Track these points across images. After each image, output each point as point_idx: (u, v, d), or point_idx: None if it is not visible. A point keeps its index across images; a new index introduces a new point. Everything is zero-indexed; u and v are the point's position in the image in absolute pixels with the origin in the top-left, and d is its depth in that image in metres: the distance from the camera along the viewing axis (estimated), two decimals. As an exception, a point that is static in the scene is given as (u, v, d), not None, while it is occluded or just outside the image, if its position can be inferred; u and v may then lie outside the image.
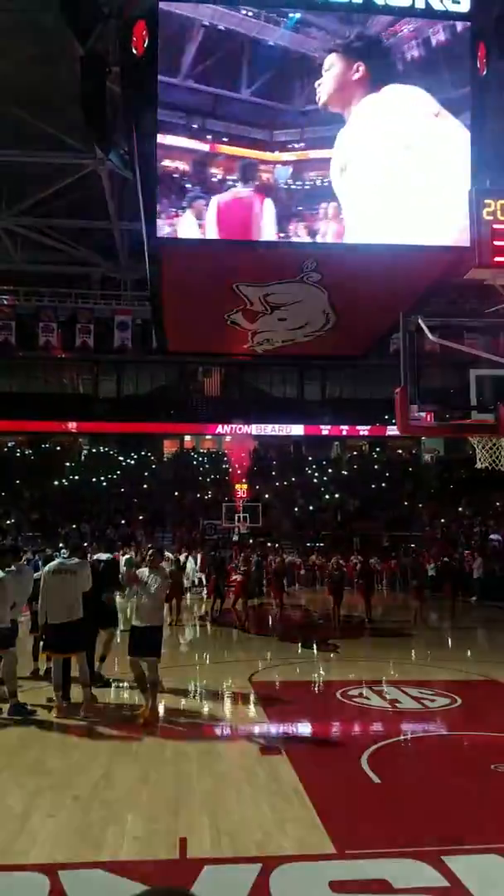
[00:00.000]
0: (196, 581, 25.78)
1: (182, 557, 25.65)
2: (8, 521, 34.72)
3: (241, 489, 37.06)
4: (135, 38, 7.95)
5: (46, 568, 9.24)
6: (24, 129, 29.44)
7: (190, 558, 25.77)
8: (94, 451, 46.02)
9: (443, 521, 34.65)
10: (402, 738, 8.00)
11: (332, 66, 9.02)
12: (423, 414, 8.36)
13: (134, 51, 8.01)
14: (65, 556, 9.78)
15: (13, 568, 9.27)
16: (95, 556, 11.04)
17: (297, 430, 47.36)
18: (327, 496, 40.40)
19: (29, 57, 25.31)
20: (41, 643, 10.09)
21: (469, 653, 14.99)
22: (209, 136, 9.23)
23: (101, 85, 9.43)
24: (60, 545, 27.86)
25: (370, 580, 19.87)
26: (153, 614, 8.52)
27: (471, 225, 7.67)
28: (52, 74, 26.71)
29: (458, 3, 7.83)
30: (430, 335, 8.02)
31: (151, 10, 7.85)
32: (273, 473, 42.59)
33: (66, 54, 24.22)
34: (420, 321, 8.09)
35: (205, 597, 22.05)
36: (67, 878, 4.43)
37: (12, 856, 4.81)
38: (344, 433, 48.01)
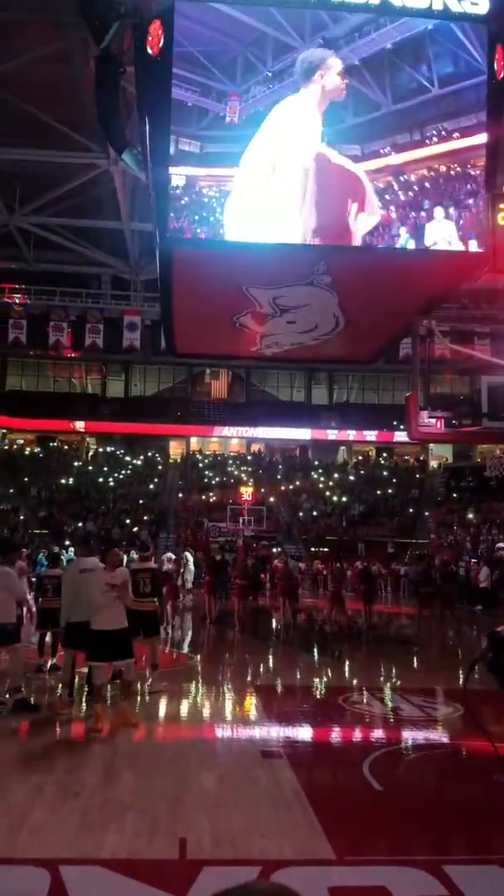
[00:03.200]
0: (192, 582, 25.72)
1: (188, 555, 25.68)
2: (16, 518, 34.82)
3: (247, 492, 37.06)
4: (150, 38, 7.95)
5: (72, 566, 9.23)
6: (38, 128, 29.59)
7: (191, 559, 25.78)
8: (101, 450, 46.12)
9: (455, 528, 34.50)
10: (403, 745, 7.96)
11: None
12: (433, 420, 8.33)
13: (149, 50, 8.00)
14: (74, 554, 9.77)
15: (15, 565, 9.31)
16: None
17: (304, 433, 47.39)
18: (333, 500, 40.32)
19: (43, 55, 25.42)
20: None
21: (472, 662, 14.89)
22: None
23: (115, 84, 9.44)
24: (67, 542, 27.99)
25: (372, 586, 19.76)
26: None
27: (486, 230, 7.65)
28: (67, 73, 26.88)
29: (477, 4, 7.80)
30: (441, 340, 7.99)
31: (167, 9, 7.84)
32: (279, 477, 42.57)
33: (81, 53, 24.40)
34: (432, 325, 8.06)
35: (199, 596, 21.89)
36: (68, 874, 4.42)
37: (14, 849, 4.80)
38: (351, 438, 48.01)
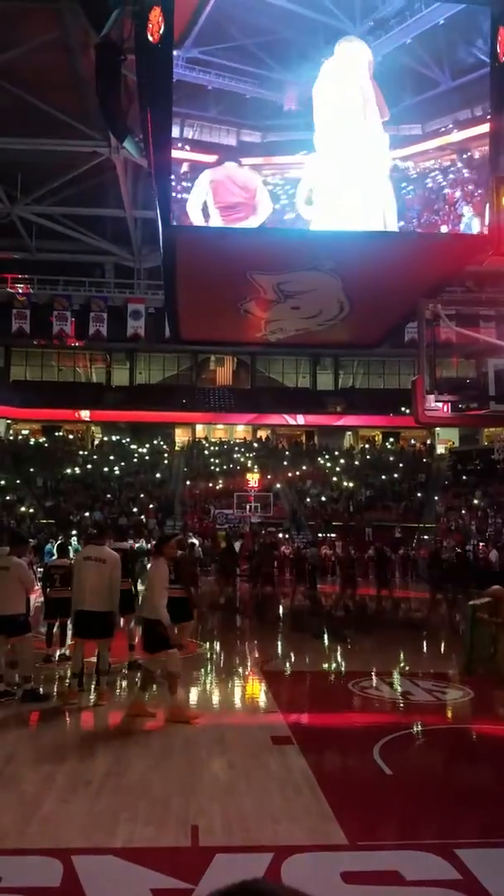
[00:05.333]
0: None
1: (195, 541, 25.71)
2: (22, 509, 34.94)
3: (253, 479, 37.09)
4: (150, 25, 7.87)
5: (78, 555, 9.23)
6: (39, 117, 29.42)
7: (197, 544, 25.83)
8: (106, 439, 46.16)
9: (463, 511, 34.47)
10: (414, 729, 7.98)
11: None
12: (439, 404, 8.29)
13: (150, 37, 7.93)
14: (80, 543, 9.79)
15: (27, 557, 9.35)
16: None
17: (310, 419, 47.37)
18: (341, 485, 40.33)
19: (44, 43, 25.22)
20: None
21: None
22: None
23: (116, 72, 9.37)
24: (73, 532, 28.07)
25: (385, 571, 19.72)
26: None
27: (490, 213, 7.59)
28: (67, 62, 26.69)
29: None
30: (447, 323, 7.95)
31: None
32: (285, 463, 42.57)
33: (81, 41, 24.21)
34: (438, 308, 8.01)
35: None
36: (81, 864, 4.45)
37: (26, 840, 4.83)
38: (357, 423, 47.97)
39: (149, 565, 8.60)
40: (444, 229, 8.45)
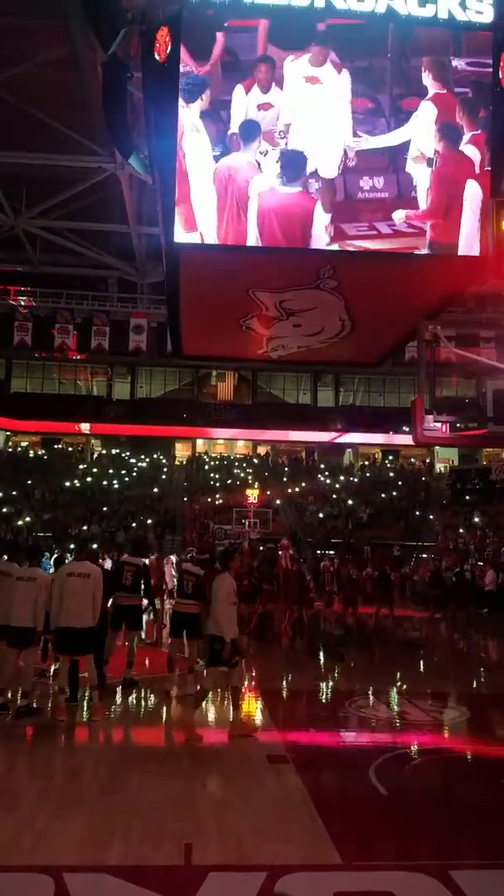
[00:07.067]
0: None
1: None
2: (20, 521, 34.86)
3: (252, 494, 37.07)
4: (157, 44, 7.96)
5: (60, 571, 9.21)
6: (45, 132, 29.68)
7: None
8: (105, 452, 46.17)
9: (461, 530, 34.44)
10: (410, 750, 7.94)
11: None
12: (438, 424, 8.32)
13: (156, 56, 8.02)
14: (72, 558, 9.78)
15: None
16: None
17: (310, 436, 47.42)
18: (340, 503, 40.30)
19: (52, 60, 25.49)
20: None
21: (480, 665, 14.88)
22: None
23: (122, 90, 9.46)
24: (72, 546, 27.94)
25: (388, 591, 19.57)
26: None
27: (489, 235, 7.64)
28: (74, 78, 26.96)
29: (482, 13, 7.81)
30: (447, 345, 7.99)
31: (174, 16, 7.85)
32: (284, 479, 42.55)
33: (89, 58, 24.47)
34: (438, 330, 8.06)
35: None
36: (72, 881, 4.42)
37: (18, 857, 4.81)
38: (357, 440, 48.03)
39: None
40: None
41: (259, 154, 7.89)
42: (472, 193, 7.95)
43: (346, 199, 7.99)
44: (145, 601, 11.68)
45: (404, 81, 7.94)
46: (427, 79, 7.90)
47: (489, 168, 8.01)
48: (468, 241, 8.03)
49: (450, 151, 7.95)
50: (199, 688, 8.42)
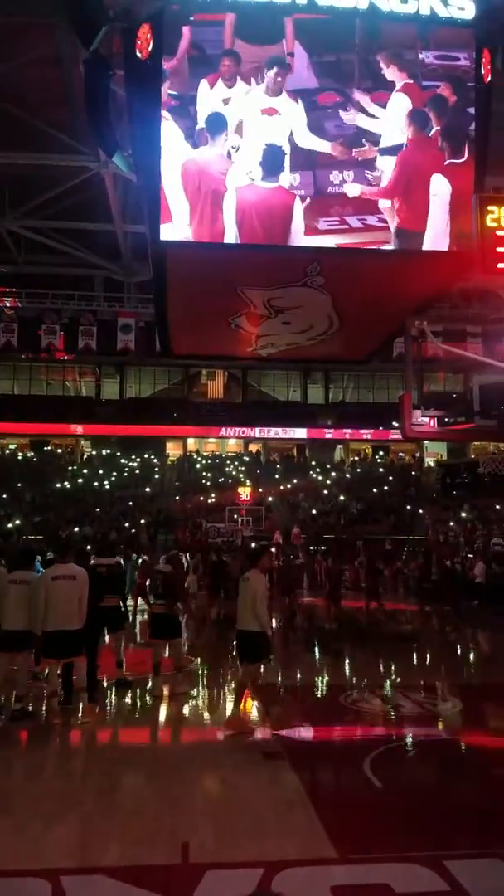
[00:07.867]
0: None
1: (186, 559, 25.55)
2: (10, 525, 34.71)
3: (245, 492, 37.07)
4: (139, 42, 7.93)
5: (45, 574, 9.14)
6: (28, 131, 29.51)
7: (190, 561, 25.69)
8: (96, 453, 46.04)
9: (451, 524, 34.57)
10: (404, 742, 7.98)
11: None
12: (426, 419, 8.35)
13: (138, 54, 7.99)
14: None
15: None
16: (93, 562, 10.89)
17: (301, 433, 47.50)
18: (331, 499, 40.37)
19: (35, 58, 25.34)
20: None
21: (472, 657, 14.96)
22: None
23: (105, 87, 9.42)
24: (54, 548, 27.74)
25: (376, 583, 19.67)
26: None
27: (474, 231, 7.66)
28: (56, 76, 26.82)
29: (463, 9, 7.82)
30: (433, 340, 8.01)
31: (156, 13, 7.83)
32: (276, 477, 42.58)
33: (70, 56, 24.35)
34: (424, 326, 8.08)
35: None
36: (69, 884, 4.42)
37: (14, 861, 4.80)
38: (347, 437, 48.13)
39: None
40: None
41: (231, 148, 7.87)
42: (439, 187, 7.96)
43: (316, 195, 7.99)
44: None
45: (371, 76, 7.94)
46: (392, 72, 7.89)
47: (453, 161, 8.01)
48: (437, 237, 8.04)
49: (418, 137, 7.93)
50: (238, 684, 8.67)
